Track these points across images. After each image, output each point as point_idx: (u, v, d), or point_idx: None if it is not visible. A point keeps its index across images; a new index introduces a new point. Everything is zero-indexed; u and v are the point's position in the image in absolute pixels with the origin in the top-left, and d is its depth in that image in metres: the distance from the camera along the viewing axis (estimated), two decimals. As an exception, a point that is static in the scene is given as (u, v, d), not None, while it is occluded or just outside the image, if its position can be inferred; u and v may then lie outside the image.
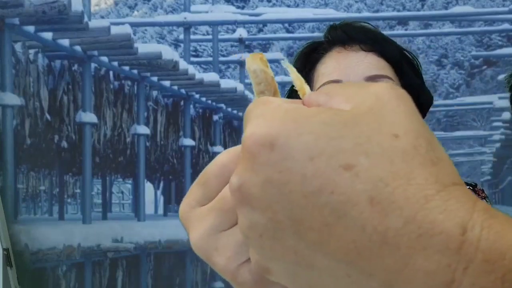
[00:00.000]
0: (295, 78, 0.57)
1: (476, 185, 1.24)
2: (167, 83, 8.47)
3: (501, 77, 12.66)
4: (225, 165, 0.54)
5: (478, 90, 13.79)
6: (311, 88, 1.23)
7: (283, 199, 0.42)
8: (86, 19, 5.99)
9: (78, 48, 6.46)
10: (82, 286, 6.20)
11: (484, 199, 1.22)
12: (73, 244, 5.86)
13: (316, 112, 0.44)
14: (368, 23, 1.26)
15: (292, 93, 1.31)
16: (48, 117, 6.46)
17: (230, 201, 0.50)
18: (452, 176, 0.43)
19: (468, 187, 1.23)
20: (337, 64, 1.18)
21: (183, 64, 8.04)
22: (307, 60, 1.23)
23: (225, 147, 10.61)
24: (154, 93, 8.80)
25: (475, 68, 13.55)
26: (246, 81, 12.14)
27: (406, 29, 13.13)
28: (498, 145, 13.40)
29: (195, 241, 0.57)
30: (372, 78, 1.17)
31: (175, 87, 8.72)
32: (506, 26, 12.40)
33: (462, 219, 0.40)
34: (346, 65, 1.19)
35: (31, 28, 5.90)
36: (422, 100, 1.24)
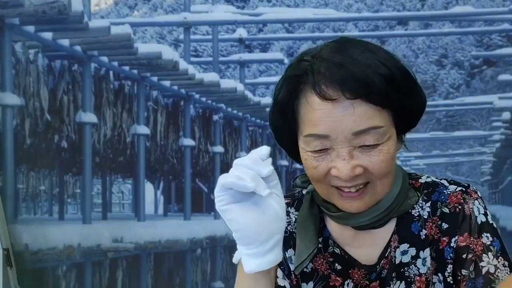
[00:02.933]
0: None
1: (469, 186, 1.23)
2: (167, 83, 8.46)
3: (501, 77, 12.66)
4: None
5: (478, 90, 13.79)
6: (297, 124, 1.18)
7: None
8: (86, 19, 5.99)
9: (78, 48, 6.47)
10: (82, 286, 6.20)
11: (477, 199, 1.22)
12: (73, 244, 5.86)
13: None
14: (353, 46, 1.18)
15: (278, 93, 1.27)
16: (48, 117, 6.46)
17: None
18: None
19: (460, 188, 1.22)
20: (323, 116, 1.15)
21: (183, 64, 8.04)
22: (291, 94, 1.19)
23: (225, 147, 10.62)
24: (154, 93, 8.80)
25: (475, 68, 13.54)
26: (246, 81, 12.13)
27: (406, 29, 13.12)
28: (498, 145, 13.39)
29: None
30: (360, 132, 1.14)
31: (175, 87, 8.71)
32: (506, 26, 12.39)
33: None
34: (331, 119, 1.14)
35: (31, 28, 5.90)
36: (415, 111, 1.21)
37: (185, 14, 10.75)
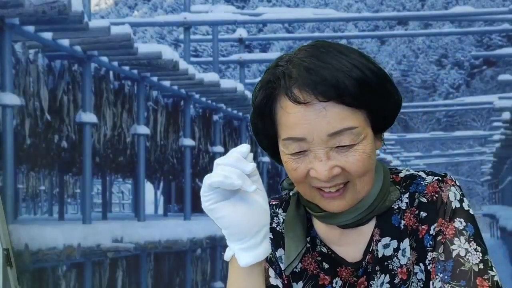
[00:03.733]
0: None
1: (446, 175, 1.26)
2: (167, 83, 8.47)
3: (501, 77, 12.66)
4: None
5: (478, 90, 13.79)
6: (275, 129, 1.21)
7: None
8: (86, 19, 5.99)
9: (78, 48, 6.47)
10: (82, 286, 6.20)
11: (453, 186, 1.25)
12: (73, 244, 5.87)
13: None
14: (325, 49, 1.20)
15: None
16: (48, 117, 6.46)
17: None
18: None
19: (437, 177, 1.25)
20: (298, 120, 1.17)
21: (183, 64, 8.04)
22: (267, 100, 1.22)
23: (225, 147, 10.63)
24: (154, 93, 8.80)
25: (475, 68, 13.55)
26: (246, 81, 12.14)
27: (406, 29, 13.13)
28: (498, 145, 13.40)
29: None
30: (335, 134, 1.16)
31: (175, 87, 8.72)
32: (506, 26, 12.40)
33: None
34: (306, 121, 1.16)
35: (31, 28, 5.90)
36: (389, 111, 1.24)
37: (185, 14, 10.76)
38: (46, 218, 12.06)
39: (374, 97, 1.19)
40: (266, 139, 1.24)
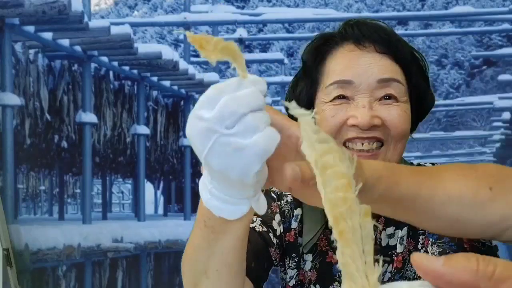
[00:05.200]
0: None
1: (434, 164, 1.29)
2: (167, 83, 8.46)
3: (501, 77, 12.66)
4: None
5: (478, 90, 13.79)
6: (319, 82, 1.23)
7: None
8: (86, 19, 5.99)
9: (78, 48, 6.46)
10: (82, 286, 6.20)
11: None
12: (73, 244, 5.86)
13: None
14: (384, 22, 1.26)
15: (293, 91, 1.30)
16: (48, 117, 6.46)
17: None
18: None
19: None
20: (350, 63, 1.19)
21: (183, 64, 8.03)
22: (318, 53, 1.24)
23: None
24: (154, 93, 8.80)
25: (475, 68, 13.55)
26: (246, 81, 12.12)
27: (406, 29, 13.13)
28: (498, 145, 13.39)
29: None
30: (384, 81, 1.18)
31: (175, 87, 8.71)
32: (506, 26, 12.39)
33: None
34: (359, 65, 1.19)
35: (31, 28, 5.89)
36: (425, 103, 1.27)
37: (185, 14, 10.75)
38: (46, 218, 12.04)
39: (420, 74, 1.24)
40: (300, 104, 1.24)
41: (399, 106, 1.19)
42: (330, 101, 1.19)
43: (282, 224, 1.25)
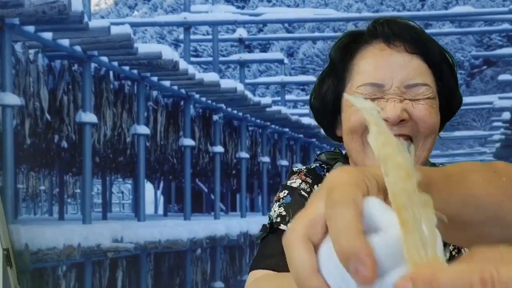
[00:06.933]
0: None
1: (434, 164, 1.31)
2: (167, 83, 8.47)
3: (501, 77, 12.67)
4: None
5: (478, 90, 13.79)
6: (346, 80, 1.22)
7: None
8: (86, 19, 5.99)
9: (78, 48, 6.46)
10: (82, 286, 6.20)
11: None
12: (73, 244, 5.86)
13: None
14: (413, 21, 1.27)
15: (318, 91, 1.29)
16: (48, 117, 6.46)
17: None
18: None
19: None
20: (379, 63, 1.20)
21: (183, 64, 8.04)
22: (346, 51, 1.24)
23: (225, 147, 10.63)
24: (154, 93, 8.80)
25: (475, 68, 13.55)
26: (246, 81, 12.14)
27: (406, 29, 13.15)
28: (498, 145, 13.40)
29: None
30: (413, 87, 1.19)
31: (175, 87, 8.72)
32: (506, 26, 12.40)
33: None
34: (389, 67, 1.20)
35: (31, 28, 5.90)
36: (454, 102, 1.28)
37: (185, 14, 10.76)
38: (46, 218, 12.05)
39: (450, 74, 1.24)
40: (326, 103, 1.23)
41: (427, 102, 1.21)
42: None
43: None
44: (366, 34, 1.23)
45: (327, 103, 1.25)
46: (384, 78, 1.19)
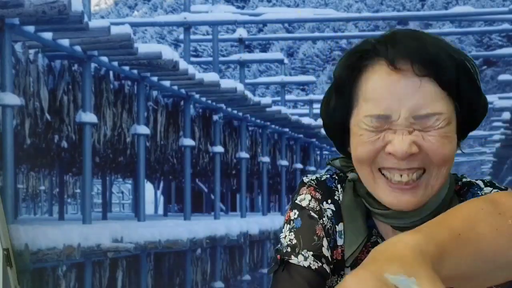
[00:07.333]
0: None
1: (506, 189, 1.19)
2: (167, 83, 8.47)
3: (501, 77, 12.66)
4: None
5: (478, 90, 13.80)
6: (353, 102, 1.12)
7: None
8: (86, 19, 5.99)
9: (78, 48, 6.46)
10: (82, 286, 6.20)
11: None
12: (73, 244, 5.86)
13: None
14: (425, 33, 1.15)
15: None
16: (48, 117, 6.46)
17: None
18: None
19: (496, 190, 1.18)
20: (384, 92, 1.10)
21: (183, 64, 8.04)
22: (351, 71, 1.15)
23: (225, 147, 10.63)
24: (154, 93, 8.81)
25: (475, 68, 13.56)
26: (246, 81, 12.14)
27: (406, 29, 13.16)
28: (498, 145, 13.39)
29: None
30: (423, 118, 1.08)
31: (175, 87, 8.73)
32: (506, 26, 12.41)
33: None
34: (396, 95, 1.09)
35: (31, 28, 5.89)
36: (477, 113, 1.17)
37: (185, 14, 10.77)
38: (46, 218, 12.06)
39: (469, 86, 1.13)
40: (337, 119, 1.15)
41: (439, 131, 1.09)
42: (366, 128, 1.13)
43: (329, 244, 1.20)
44: (371, 52, 1.13)
45: (336, 123, 1.16)
46: (391, 109, 1.09)
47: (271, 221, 11.47)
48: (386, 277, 0.73)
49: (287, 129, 13.48)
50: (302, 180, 1.21)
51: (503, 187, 1.17)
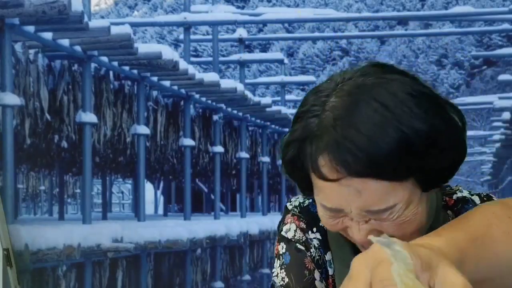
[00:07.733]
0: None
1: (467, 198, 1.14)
2: (167, 83, 8.47)
3: (501, 77, 12.66)
4: None
5: (478, 90, 13.78)
6: (307, 177, 1.01)
7: None
8: (86, 19, 5.99)
9: (78, 48, 6.46)
10: (82, 286, 6.20)
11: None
12: (73, 244, 5.86)
13: None
14: (364, 99, 0.99)
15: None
16: (48, 117, 6.46)
17: None
18: None
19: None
20: (328, 191, 1.00)
21: (183, 64, 8.04)
22: (296, 156, 1.01)
23: (225, 147, 10.63)
24: (154, 93, 8.80)
25: (475, 68, 13.55)
26: (246, 81, 12.14)
27: (406, 29, 13.14)
28: (498, 145, 13.39)
29: None
30: (375, 213, 0.99)
31: (175, 87, 8.72)
32: (506, 26, 12.40)
33: None
34: (341, 196, 0.99)
35: (31, 28, 5.90)
36: (444, 170, 1.02)
37: (185, 14, 10.76)
38: (46, 218, 12.05)
39: (423, 161, 0.98)
40: (299, 176, 1.04)
41: (397, 220, 1.00)
42: (325, 211, 1.03)
43: (321, 275, 1.17)
44: (307, 142, 1.00)
45: (299, 181, 1.06)
46: (341, 205, 1.00)
47: (271, 221, 11.47)
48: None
49: (287, 129, 13.46)
50: (286, 206, 1.17)
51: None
